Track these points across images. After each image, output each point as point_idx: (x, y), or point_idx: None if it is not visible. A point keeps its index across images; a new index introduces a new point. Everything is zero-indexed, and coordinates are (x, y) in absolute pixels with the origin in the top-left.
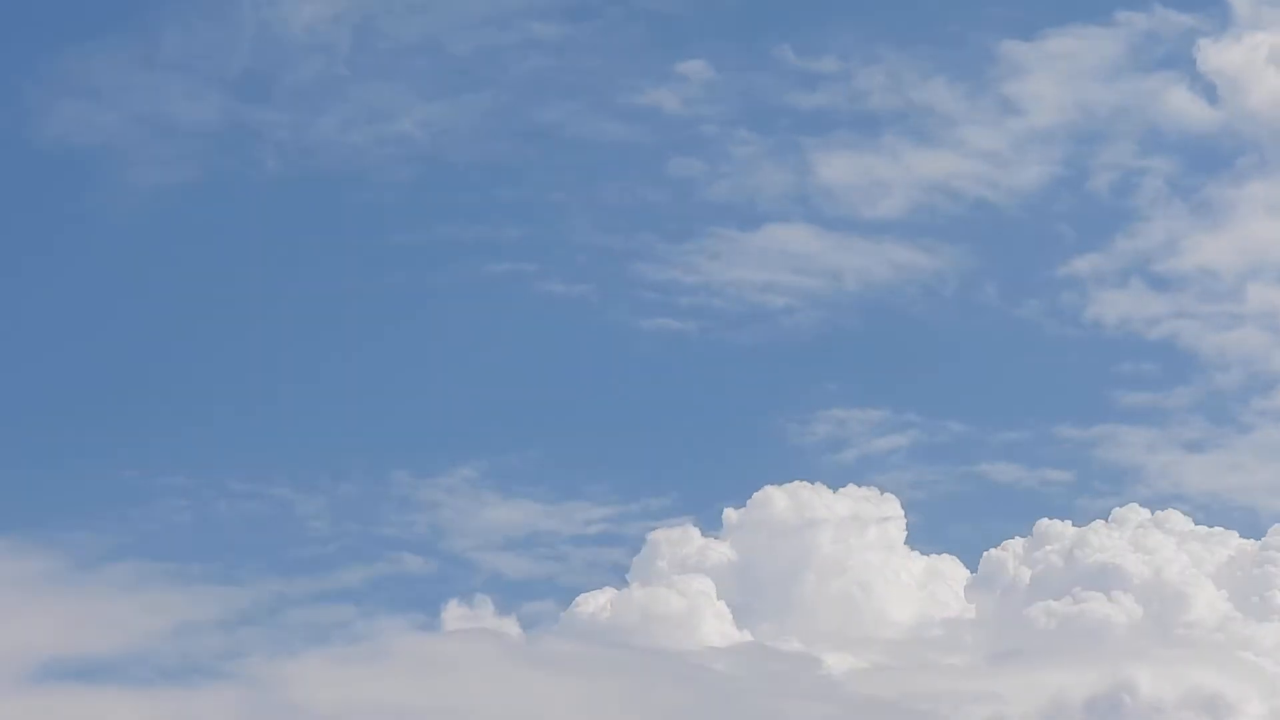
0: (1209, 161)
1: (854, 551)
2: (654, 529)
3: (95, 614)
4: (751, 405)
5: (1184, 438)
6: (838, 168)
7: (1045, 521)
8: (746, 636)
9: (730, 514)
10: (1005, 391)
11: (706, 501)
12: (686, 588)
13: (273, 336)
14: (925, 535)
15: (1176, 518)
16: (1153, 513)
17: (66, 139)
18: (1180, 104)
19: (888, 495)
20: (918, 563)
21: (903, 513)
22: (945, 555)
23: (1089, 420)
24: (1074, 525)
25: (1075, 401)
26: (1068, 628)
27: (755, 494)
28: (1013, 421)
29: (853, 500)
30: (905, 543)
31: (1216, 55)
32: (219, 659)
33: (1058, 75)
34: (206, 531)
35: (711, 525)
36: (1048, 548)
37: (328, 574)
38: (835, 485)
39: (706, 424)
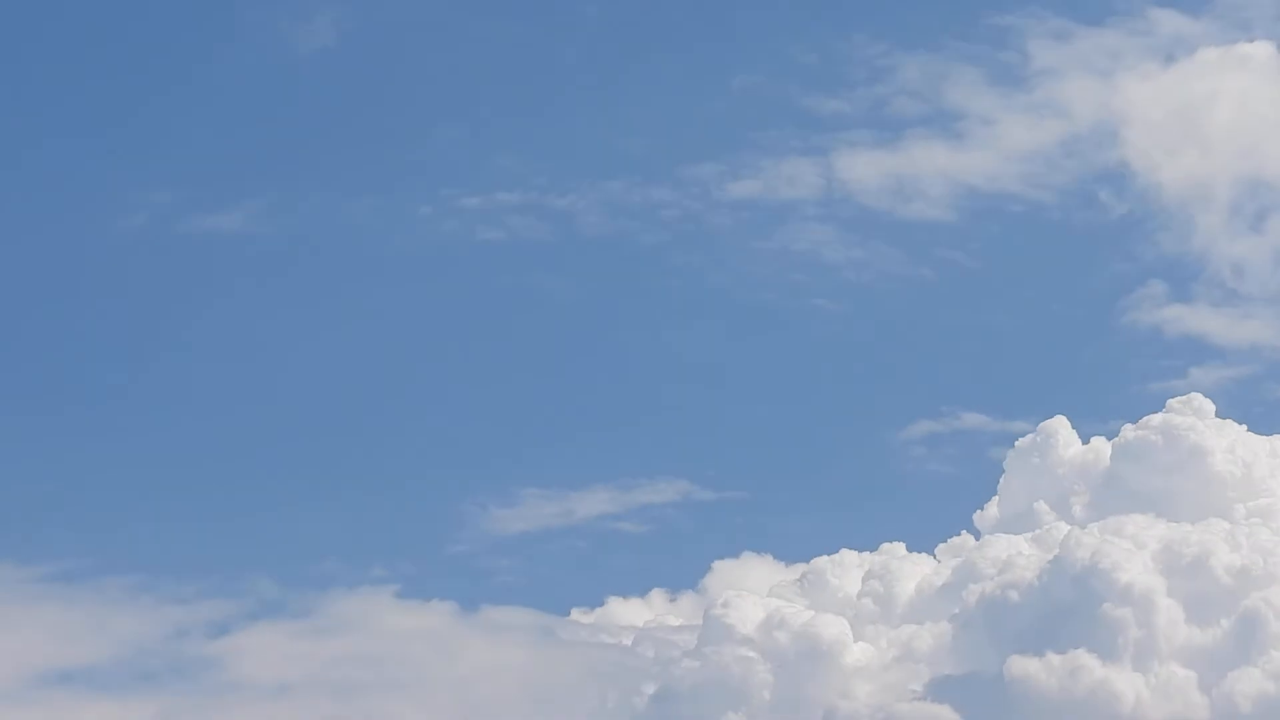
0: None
1: None
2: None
3: (92, 624)
4: (766, 406)
5: None
6: (867, 170)
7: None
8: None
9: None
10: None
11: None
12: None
13: (271, 348)
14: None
15: None
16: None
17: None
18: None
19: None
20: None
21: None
22: None
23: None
24: None
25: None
26: None
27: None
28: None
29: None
30: None
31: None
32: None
33: (1092, 75)
34: (204, 545)
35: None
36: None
37: (324, 587)
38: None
39: (717, 424)
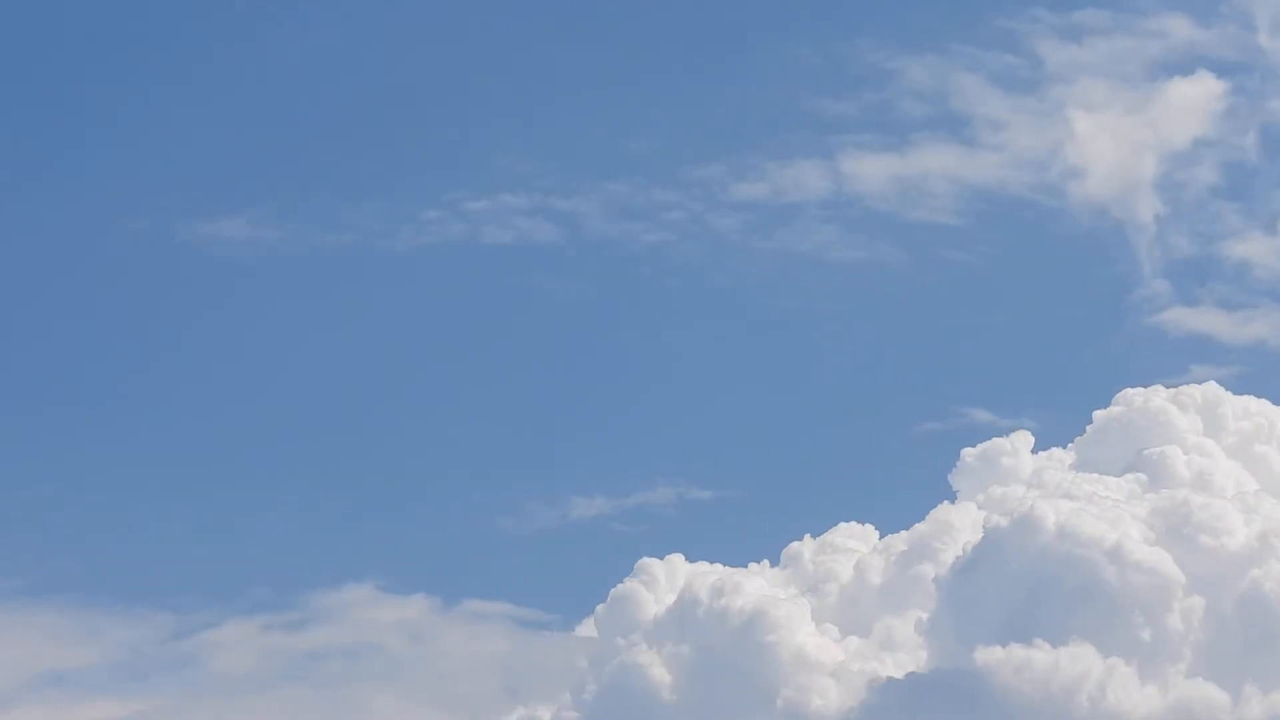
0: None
1: None
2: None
3: (84, 627)
4: (772, 407)
5: None
6: (873, 172)
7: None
8: None
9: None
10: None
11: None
12: None
13: (274, 353)
14: None
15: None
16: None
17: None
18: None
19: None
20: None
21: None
22: None
23: None
24: None
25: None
26: None
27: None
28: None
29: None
30: None
31: None
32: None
33: (1095, 79)
34: (199, 545)
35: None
36: None
37: (316, 588)
38: None
39: (721, 425)
